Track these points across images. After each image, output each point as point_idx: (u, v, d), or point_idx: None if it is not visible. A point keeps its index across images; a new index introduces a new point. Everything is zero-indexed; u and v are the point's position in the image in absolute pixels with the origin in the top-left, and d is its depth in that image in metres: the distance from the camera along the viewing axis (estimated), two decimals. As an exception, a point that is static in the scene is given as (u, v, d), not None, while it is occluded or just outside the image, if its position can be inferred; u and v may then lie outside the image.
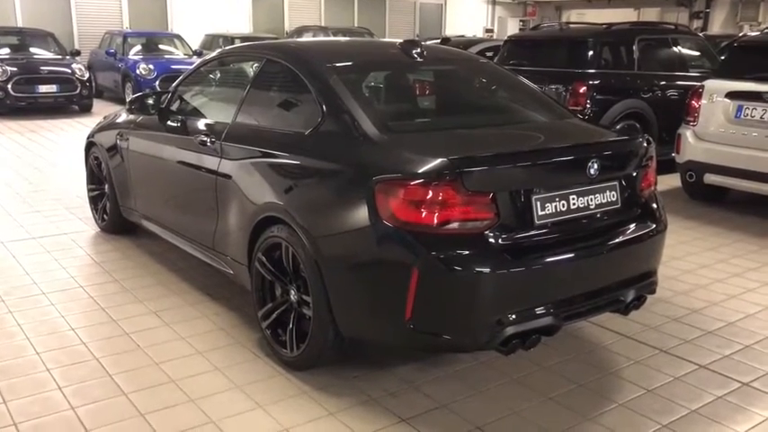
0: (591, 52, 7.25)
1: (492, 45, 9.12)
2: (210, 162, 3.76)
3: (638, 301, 3.30)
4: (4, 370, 3.21)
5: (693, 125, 6.35)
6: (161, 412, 2.90)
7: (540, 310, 2.87)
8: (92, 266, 4.64)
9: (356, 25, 19.81)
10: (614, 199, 3.15)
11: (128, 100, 4.46)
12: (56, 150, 8.96)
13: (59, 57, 13.32)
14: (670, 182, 7.28)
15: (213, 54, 4.39)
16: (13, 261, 4.71)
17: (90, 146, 5.38)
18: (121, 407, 2.93)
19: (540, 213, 2.88)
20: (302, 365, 3.21)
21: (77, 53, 14.08)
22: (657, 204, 3.44)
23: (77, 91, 12.63)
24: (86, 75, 12.95)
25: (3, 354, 3.37)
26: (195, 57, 14.16)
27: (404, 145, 2.94)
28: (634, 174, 3.27)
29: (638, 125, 7.34)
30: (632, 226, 3.24)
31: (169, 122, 4.27)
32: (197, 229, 4.03)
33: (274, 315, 3.33)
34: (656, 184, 3.47)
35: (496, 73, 4.05)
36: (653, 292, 3.40)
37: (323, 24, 19.27)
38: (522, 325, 2.83)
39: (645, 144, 3.35)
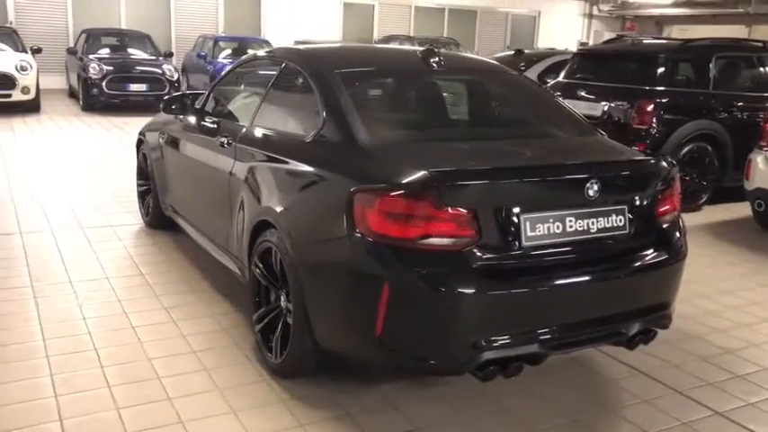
0: (662, 69, 6.85)
1: (565, 59, 8.81)
2: (226, 163, 3.80)
3: (646, 336, 3.06)
4: (3, 354, 3.35)
5: (767, 150, 5.88)
6: (136, 408, 2.92)
7: (522, 337, 2.71)
8: (124, 259, 4.79)
9: (445, 35, 19.72)
10: (621, 224, 2.94)
11: (163, 99, 4.55)
12: (134, 146, 9.36)
13: (153, 58, 13.96)
14: (742, 210, 6.79)
15: (243, 58, 4.45)
16: (54, 249, 4.93)
17: (140, 143, 5.58)
18: (101, 399, 2.98)
19: (528, 234, 2.71)
20: (284, 373, 3.17)
21: (170, 55, 14.71)
22: (678, 232, 3.18)
23: (166, 91, 13.17)
24: (176, 76, 13.49)
25: (11, 338, 3.51)
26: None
27: (390, 155, 2.86)
28: (648, 198, 3.03)
29: (709, 148, 6.89)
30: (642, 254, 3.01)
31: (201, 123, 4.35)
32: (214, 229, 4.09)
33: (266, 320, 3.31)
34: (676, 210, 3.20)
35: (521, 85, 3.88)
36: (665, 326, 3.15)
37: (411, 34, 19.31)
38: (501, 351, 2.67)
39: (664, 166, 3.11)
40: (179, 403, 2.98)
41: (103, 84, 12.73)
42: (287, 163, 3.23)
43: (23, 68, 11.96)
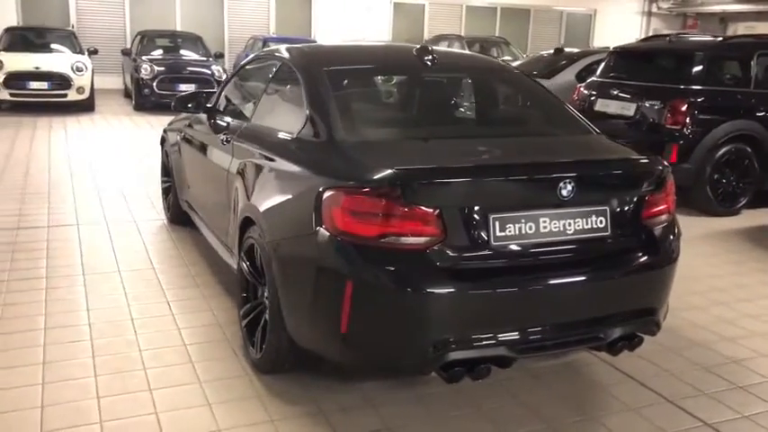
0: (698, 67, 6.59)
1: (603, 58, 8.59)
2: (225, 160, 3.86)
3: (631, 342, 2.95)
4: None
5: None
6: (116, 397, 3.00)
7: (489, 339, 2.65)
8: (139, 253, 4.92)
9: (497, 35, 19.49)
10: (602, 225, 2.84)
11: (176, 98, 4.66)
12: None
13: (203, 59, 14.29)
14: (784, 215, 6.49)
15: (251, 56, 4.51)
16: (73, 241, 5.10)
17: (163, 140, 5.73)
18: (83, 388, 3.06)
19: (497, 234, 2.65)
20: (264, 368, 3.20)
21: (220, 56, 15.03)
22: (670, 236, 3.06)
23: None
24: (224, 76, 13.78)
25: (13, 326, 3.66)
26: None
27: (363, 154, 2.84)
28: (634, 199, 2.93)
29: (748, 149, 6.60)
30: (625, 257, 2.91)
31: (210, 121, 4.43)
32: (217, 225, 4.17)
33: (251, 315, 3.34)
34: (667, 212, 3.07)
35: (518, 83, 3.80)
36: (651, 333, 3.03)
37: (462, 34, 19.17)
38: (466, 352, 2.63)
39: (653, 167, 3.00)
40: (159, 394, 3.04)
41: (154, 84, 13.12)
42: (272, 160, 3.26)
43: (79, 69, 12.44)
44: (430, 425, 2.90)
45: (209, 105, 4.57)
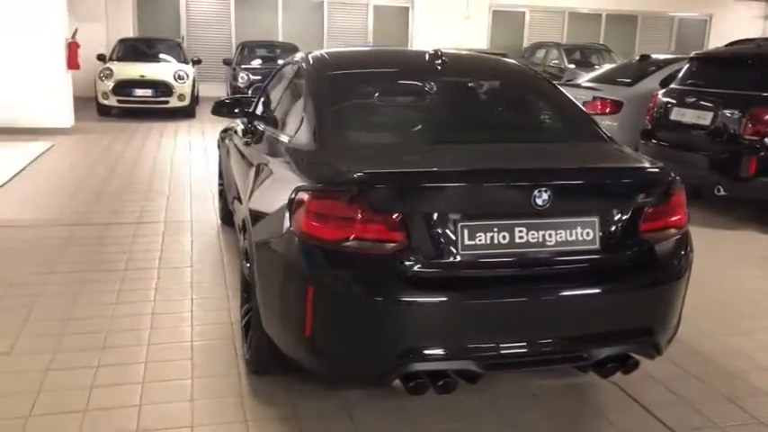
0: (786, 73, 6.06)
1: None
2: (245, 164, 3.95)
3: (624, 364, 2.74)
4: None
5: None
6: (107, 389, 3.10)
7: (454, 352, 2.55)
8: (181, 252, 5.11)
9: (600, 42, 18.79)
10: (589, 238, 2.66)
11: (215, 102, 4.80)
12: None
13: None
14: None
15: (285, 60, 4.59)
16: (124, 239, 5.37)
17: (219, 144, 5.93)
18: (84, 378, 3.19)
19: (466, 243, 2.54)
20: (252, 368, 3.22)
21: None
22: (675, 251, 2.82)
23: None
24: None
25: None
26: None
27: (341, 158, 2.80)
28: (631, 211, 2.72)
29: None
30: (616, 273, 2.70)
31: (245, 125, 4.55)
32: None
33: (248, 316, 3.38)
34: (674, 226, 2.82)
35: (535, 89, 3.62)
36: (649, 356, 2.81)
37: (563, 41, 18.64)
38: (429, 364, 2.54)
39: (654, 178, 2.78)
40: (148, 387, 3.13)
41: (249, 92, 13.63)
42: (267, 164, 3.30)
43: (180, 77, 13.14)
44: (400, 438, 2.82)
45: (247, 110, 4.68)
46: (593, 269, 2.69)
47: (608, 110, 8.18)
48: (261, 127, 4.05)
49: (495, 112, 3.60)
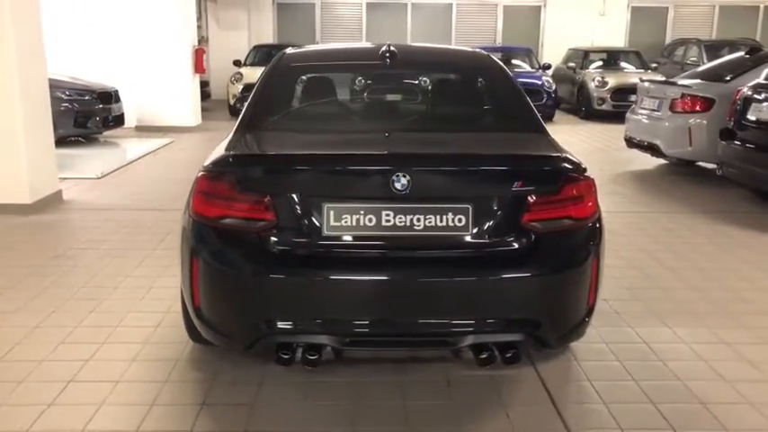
0: None
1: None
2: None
3: (503, 354, 2.71)
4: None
5: None
6: (102, 363, 3.36)
7: (315, 327, 2.68)
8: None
9: (756, 38, 17.21)
10: (461, 224, 2.66)
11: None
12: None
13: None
14: None
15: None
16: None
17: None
18: (98, 370, 3.35)
19: (332, 224, 2.66)
20: (191, 336, 3.44)
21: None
22: (564, 243, 2.74)
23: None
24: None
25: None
26: (540, 71, 14.41)
27: (245, 143, 3.02)
28: (516, 200, 2.68)
29: None
30: (490, 260, 2.69)
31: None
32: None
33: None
34: (564, 216, 2.72)
35: (484, 79, 3.58)
36: (536, 348, 2.75)
37: (713, 37, 17.33)
38: (291, 336, 2.70)
39: (545, 167, 2.72)
40: (135, 365, 3.32)
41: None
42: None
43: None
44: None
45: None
46: (465, 256, 2.69)
47: (698, 107, 7.64)
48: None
49: (432, 103, 3.64)
